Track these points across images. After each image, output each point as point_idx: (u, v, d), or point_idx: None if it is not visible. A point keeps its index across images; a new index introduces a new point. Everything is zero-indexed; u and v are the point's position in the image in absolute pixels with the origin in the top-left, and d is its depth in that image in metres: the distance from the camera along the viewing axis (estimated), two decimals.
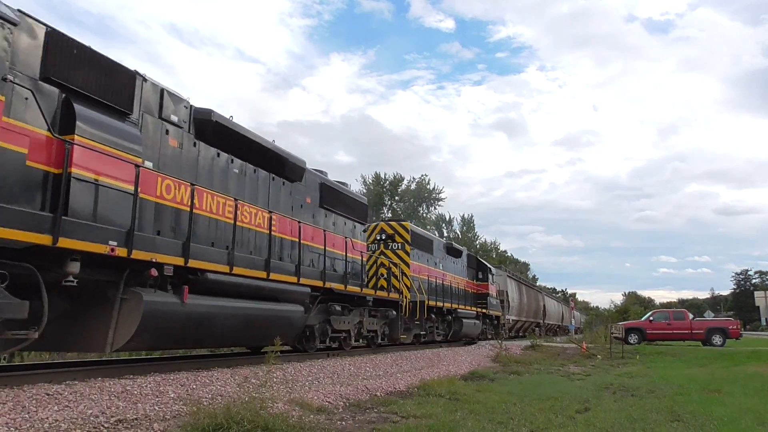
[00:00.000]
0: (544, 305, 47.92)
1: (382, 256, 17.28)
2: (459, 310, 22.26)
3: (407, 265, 18.09)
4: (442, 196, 59.18)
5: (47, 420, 4.91)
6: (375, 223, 18.98)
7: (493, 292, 28.98)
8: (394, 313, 16.08)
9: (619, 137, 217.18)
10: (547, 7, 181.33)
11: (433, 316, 19.72)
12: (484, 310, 26.31)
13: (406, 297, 17.02)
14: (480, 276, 27.31)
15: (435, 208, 60.12)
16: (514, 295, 36.33)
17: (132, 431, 5.07)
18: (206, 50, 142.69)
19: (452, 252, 24.27)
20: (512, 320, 35.30)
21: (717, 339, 26.39)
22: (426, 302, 18.20)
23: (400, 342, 17.00)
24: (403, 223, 19.49)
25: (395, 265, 17.36)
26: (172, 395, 6.60)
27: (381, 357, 13.70)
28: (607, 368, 15.29)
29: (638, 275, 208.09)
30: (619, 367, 15.75)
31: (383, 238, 18.40)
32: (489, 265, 29.87)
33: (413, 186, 58.08)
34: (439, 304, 19.96)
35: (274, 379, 8.33)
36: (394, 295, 16.21)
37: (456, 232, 64.06)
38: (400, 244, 18.33)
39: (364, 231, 16.14)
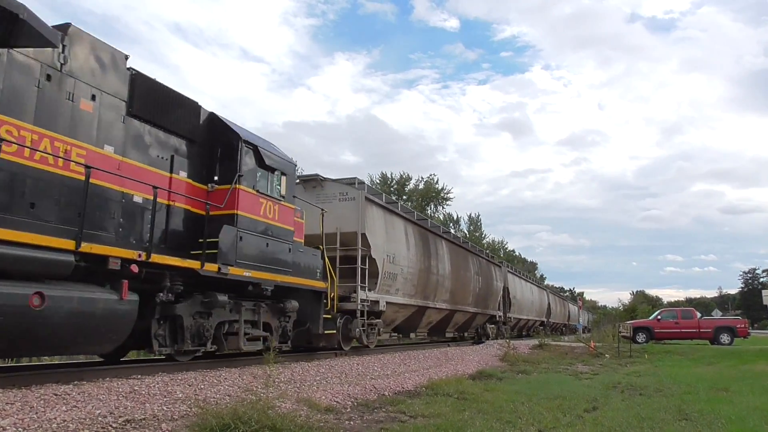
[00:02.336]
0: (505, 288, 29.82)
1: None
2: None
3: None
4: (450, 195, 58.82)
5: (55, 420, 4.92)
6: None
7: (274, 220, 10.55)
8: None
9: (624, 136, 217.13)
10: (550, 7, 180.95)
11: None
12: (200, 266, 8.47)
13: None
14: (228, 173, 9.63)
15: (443, 208, 59.89)
16: (400, 248, 16.70)
17: (140, 431, 5.08)
18: (211, 50, 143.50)
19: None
20: (396, 304, 16.36)
21: (725, 338, 26.39)
22: None
23: None
24: None
25: None
26: (180, 395, 6.61)
27: (389, 356, 13.71)
28: (615, 367, 15.22)
29: (645, 274, 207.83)
30: (627, 366, 15.68)
31: None
32: (254, 140, 10.35)
33: (421, 185, 57.75)
34: None
35: (282, 379, 8.35)
36: None
37: (464, 232, 63.83)
38: None
39: None
